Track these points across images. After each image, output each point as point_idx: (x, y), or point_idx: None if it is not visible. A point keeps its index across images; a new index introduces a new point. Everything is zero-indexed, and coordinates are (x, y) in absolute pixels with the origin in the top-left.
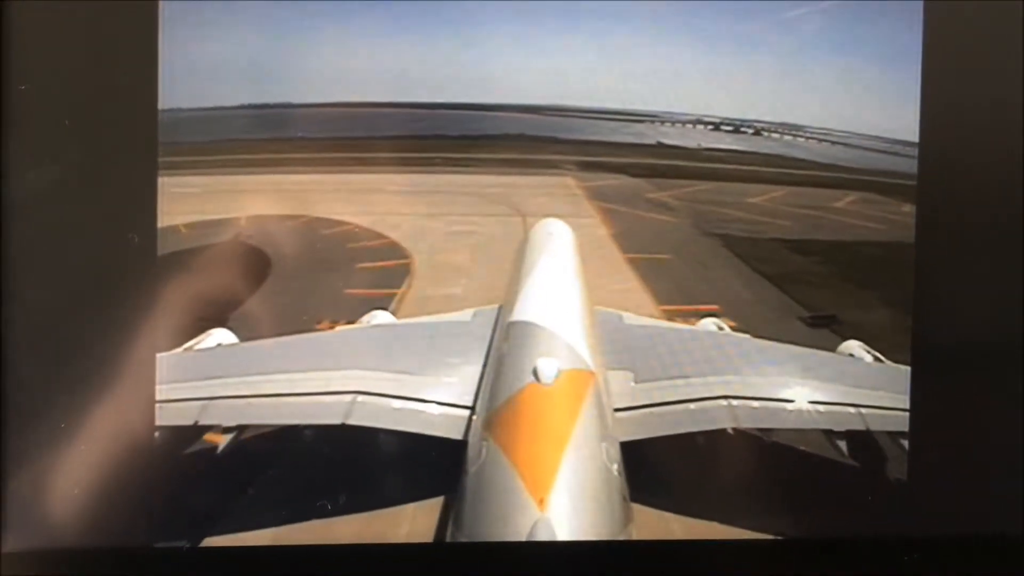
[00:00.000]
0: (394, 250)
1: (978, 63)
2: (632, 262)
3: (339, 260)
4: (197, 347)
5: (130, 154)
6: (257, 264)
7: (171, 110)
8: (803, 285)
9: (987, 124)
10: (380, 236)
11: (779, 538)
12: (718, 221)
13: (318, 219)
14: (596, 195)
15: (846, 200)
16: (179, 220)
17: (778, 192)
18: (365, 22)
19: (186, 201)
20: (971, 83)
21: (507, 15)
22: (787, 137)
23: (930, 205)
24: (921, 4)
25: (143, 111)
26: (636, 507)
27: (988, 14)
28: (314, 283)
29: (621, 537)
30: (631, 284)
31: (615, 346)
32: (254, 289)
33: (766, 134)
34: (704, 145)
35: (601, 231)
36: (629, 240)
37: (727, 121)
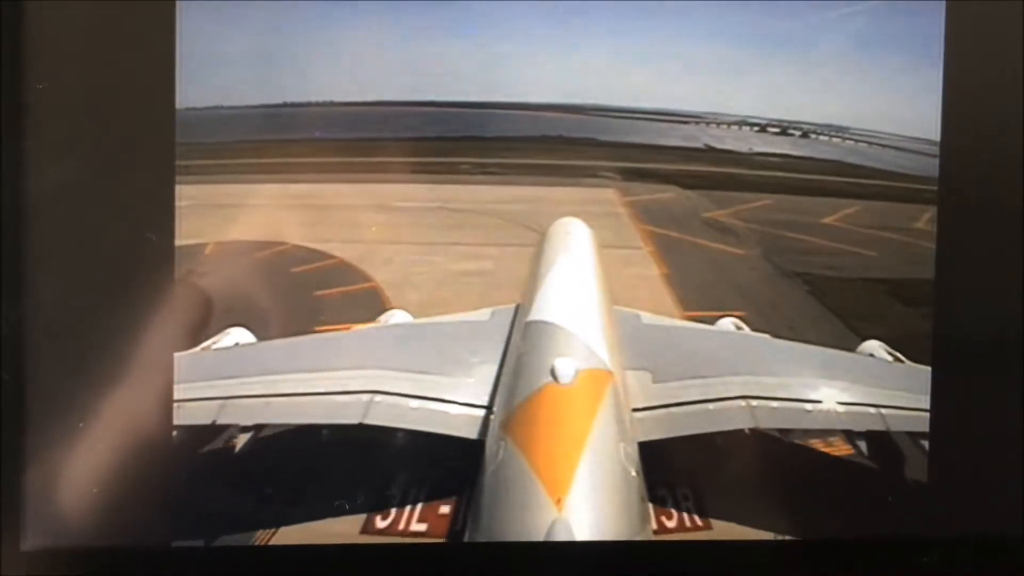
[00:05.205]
0: (371, 302)
1: (1000, 62)
2: None
3: (296, 315)
4: (215, 346)
5: (147, 152)
6: (195, 317)
7: (185, 110)
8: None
9: (1009, 122)
10: (362, 277)
11: (797, 539)
12: (794, 252)
13: (295, 248)
14: (644, 215)
15: (925, 218)
16: None
17: (850, 209)
18: (396, 17)
19: None
20: (992, 82)
21: (545, 11)
22: (836, 139)
23: (951, 203)
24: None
25: (160, 110)
26: (654, 507)
27: (1009, 12)
28: None
29: (639, 538)
30: None
31: (634, 346)
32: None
33: (814, 136)
34: (756, 149)
35: (652, 271)
36: (689, 286)
37: (773, 122)
